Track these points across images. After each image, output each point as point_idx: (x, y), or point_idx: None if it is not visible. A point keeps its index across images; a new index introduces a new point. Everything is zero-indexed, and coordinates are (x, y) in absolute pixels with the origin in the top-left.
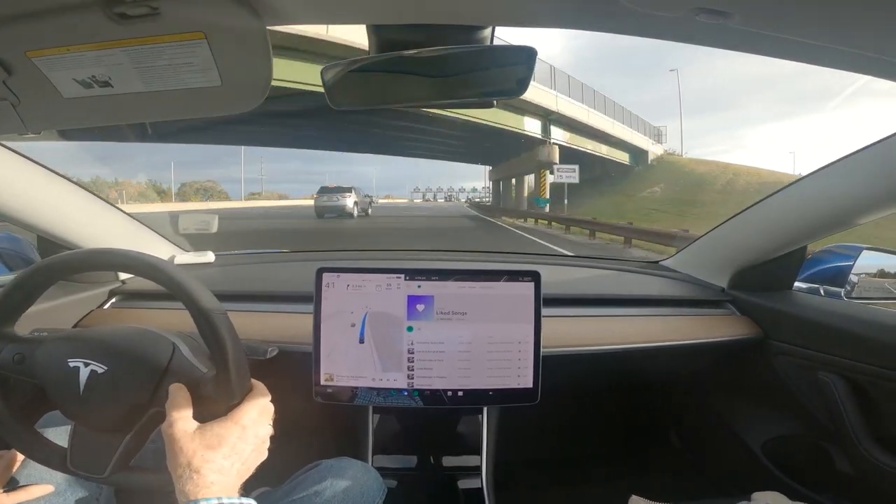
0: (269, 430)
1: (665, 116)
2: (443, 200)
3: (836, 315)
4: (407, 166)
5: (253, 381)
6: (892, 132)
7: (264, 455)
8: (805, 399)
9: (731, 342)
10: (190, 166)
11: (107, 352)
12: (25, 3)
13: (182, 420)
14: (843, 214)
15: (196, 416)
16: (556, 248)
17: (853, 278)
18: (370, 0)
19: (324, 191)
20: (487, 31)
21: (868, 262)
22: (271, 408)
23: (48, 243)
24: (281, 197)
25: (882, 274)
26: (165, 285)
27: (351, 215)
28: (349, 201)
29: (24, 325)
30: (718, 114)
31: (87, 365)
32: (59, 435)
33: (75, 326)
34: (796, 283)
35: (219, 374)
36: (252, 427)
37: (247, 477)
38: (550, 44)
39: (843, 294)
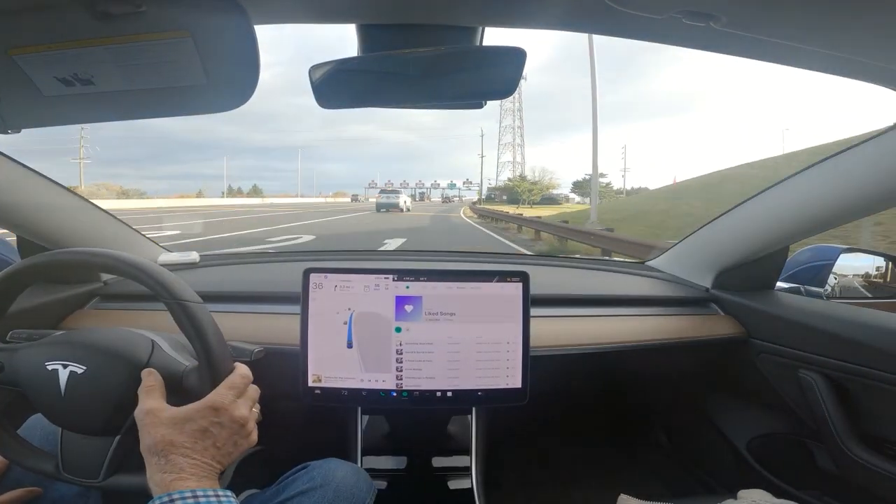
0: (252, 414)
1: None
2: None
3: (817, 314)
4: (366, 161)
5: (234, 363)
6: (873, 135)
7: (250, 440)
8: (788, 397)
9: (715, 341)
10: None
11: (84, 352)
12: (8, 1)
13: (151, 403)
14: (824, 216)
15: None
16: None
17: (833, 278)
18: (359, 0)
19: (383, 192)
20: (477, 33)
21: (847, 262)
22: (254, 391)
23: (29, 243)
24: (122, 195)
25: (860, 274)
26: (139, 280)
27: (401, 209)
28: (401, 200)
29: (2, 329)
30: None
31: (65, 366)
32: (43, 442)
33: (56, 328)
34: (778, 283)
35: (200, 365)
36: (227, 410)
37: (228, 462)
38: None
39: (823, 294)
